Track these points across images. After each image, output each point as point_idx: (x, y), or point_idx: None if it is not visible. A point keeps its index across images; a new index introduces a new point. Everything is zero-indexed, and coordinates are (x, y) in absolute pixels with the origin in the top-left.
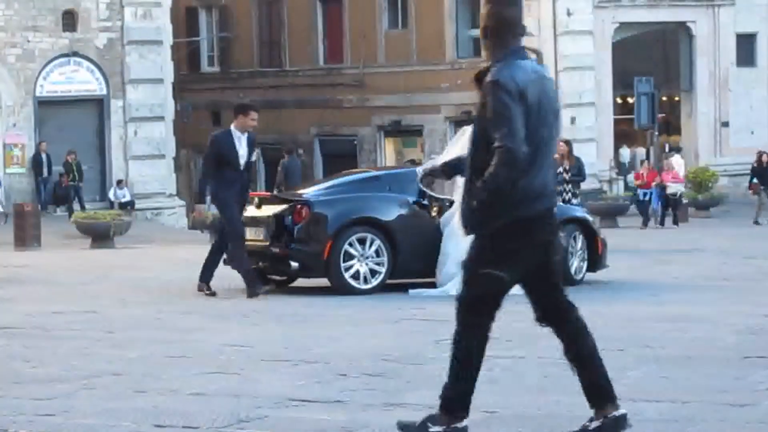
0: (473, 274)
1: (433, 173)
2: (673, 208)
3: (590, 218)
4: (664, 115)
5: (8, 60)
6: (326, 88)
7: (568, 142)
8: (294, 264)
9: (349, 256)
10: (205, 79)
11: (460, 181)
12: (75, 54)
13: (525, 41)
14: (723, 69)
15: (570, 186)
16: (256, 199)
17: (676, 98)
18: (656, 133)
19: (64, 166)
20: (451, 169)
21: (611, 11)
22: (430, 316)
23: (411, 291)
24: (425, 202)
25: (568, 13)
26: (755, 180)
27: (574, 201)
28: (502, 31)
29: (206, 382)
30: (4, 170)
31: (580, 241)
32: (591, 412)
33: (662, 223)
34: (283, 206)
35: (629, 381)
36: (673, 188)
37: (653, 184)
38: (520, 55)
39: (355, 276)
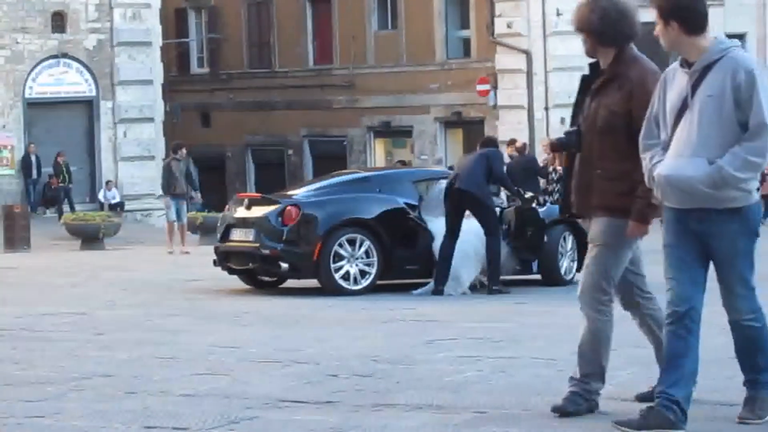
0: None
1: None
2: None
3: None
4: None
5: None
6: (316, 89)
7: None
8: (284, 265)
9: (338, 257)
10: (195, 81)
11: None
12: (64, 55)
13: (515, 41)
14: None
15: (559, 186)
16: (246, 200)
17: None
18: None
19: (54, 168)
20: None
21: None
22: (421, 316)
23: (415, 292)
24: (415, 203)
25: (558, 14)
26: None
27: None
28: None
29: (196, 383)
30: None
31: (570, 242)
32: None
33: None
34: (273, 207)
35: (620, 381)
36: None
37: None
38: None
39: (345, 277)
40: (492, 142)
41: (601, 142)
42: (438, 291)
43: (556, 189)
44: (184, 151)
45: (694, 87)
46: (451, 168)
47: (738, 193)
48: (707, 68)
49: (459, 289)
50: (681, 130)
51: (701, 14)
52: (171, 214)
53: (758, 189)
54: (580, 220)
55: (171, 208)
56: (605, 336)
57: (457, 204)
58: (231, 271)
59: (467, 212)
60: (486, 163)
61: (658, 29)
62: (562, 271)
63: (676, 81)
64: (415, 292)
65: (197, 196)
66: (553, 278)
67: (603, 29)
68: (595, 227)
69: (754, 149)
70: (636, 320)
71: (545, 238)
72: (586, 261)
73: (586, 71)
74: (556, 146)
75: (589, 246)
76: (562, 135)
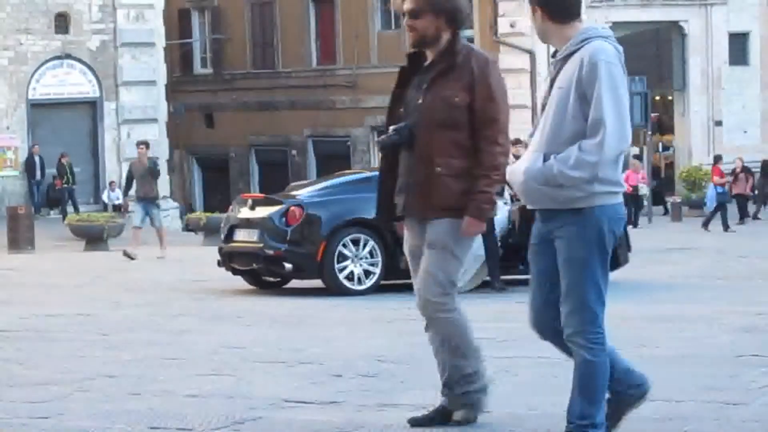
0: None
1: None
2: (637, 209)
3: None
4: (657, 114)
5: (1, 63)
6: (319, 90)
7: None
8: (288, 265)
9: (343, 257)
10: (198, 81)
11: None
12: (68, 56)
13: (519, 41)
14: (716, 68)
15: None
16: (250, 201)
17: (669, 97)
18: (649, 132)
19: (58, 169)
20: None
21: (604, 11)
22: None
23: None
24: None
25: None
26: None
27: None
28: None
29: (201, 383)
30: None
31: None
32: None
33: (635, 225)
34: (277, 208)
35: None
36: (645, 189)
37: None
38: None
39: (349, 277)
40: None
41: (441, 137)
42: None
43: None
44: (142, 149)
45: (554, 79)
46: None
47: (579, 193)
48: (566, 59)
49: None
50: (539, 124)
51: (566, 2)
52: (135, 218)
53: (641, 192)
54: (402, 224)
55: (137, 212)
56: (463, 333)
57: None
58: (235, 272)
59: None
60: None
61: (530, 16)
62: None
63: (549, 74)
64: None
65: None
66: None
67: (448, 10)
68: (434, 230)
69: (589, 147)
70: (430, 332)
71: None
72: (426, 266)
73: None
74: (387, 145)
75: (427, 251)
76: (391, 133)
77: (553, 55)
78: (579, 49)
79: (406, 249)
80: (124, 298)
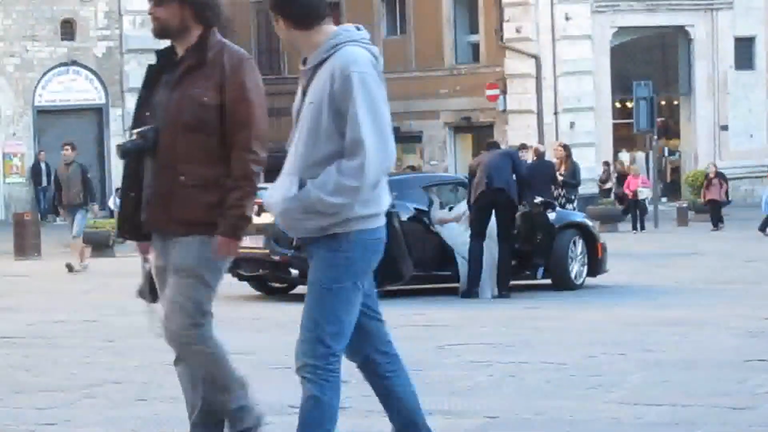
0: None
1: None
2: (641, 213)
3: (590, 223)
4: (663, 119)
5: (7, 69)
6: None
7: (566, 147)
8: (294, 271)
9: None
10: None
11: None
12: (74, 63)
13: (525, 46)
14: (722, 72)
15: (564, 191)
16: (256, 207)
17: (675, 102)
18: (655, 137)
19: None
20: None
21: (609, 16)
22: (431, 321)
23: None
24: (425, 208)
25: (567, 18)
26: None
27: (568, 206)
28: None
29: None
30: (4, 180)
31: (580, 246)
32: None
33: (642, 228)
34: None
35: (631, 385)
36: (645, 193)
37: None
38: None
39: None
40: (497, 146)
41: (187, 142)
42: (472, 293)
43: (561, 194)
44: (67, 151)
45: (305, 90)
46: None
47: (333, 219)
48: (317, 68)
49: (490, 292)
50: (293, 142)
51: (305, 6)
52: (73, 228)
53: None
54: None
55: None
56: (220, 365)
57: (489, 203)
58: (241, 278)
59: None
60: (511, 162)
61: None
62: (572, 276)
63: (300, 83)
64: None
65: (93, 207)
66: (563, 283)
67: (194, 2)
68: (181, 252)
69: (349, 170)
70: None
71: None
72: (172, 292)
73: (596, 75)
74: (130, 151)
75: (173, 276)
76: (135, 137)
77: (303, 63)
78: (330, 57)
79: (153, 270)
80: (131, 304)
